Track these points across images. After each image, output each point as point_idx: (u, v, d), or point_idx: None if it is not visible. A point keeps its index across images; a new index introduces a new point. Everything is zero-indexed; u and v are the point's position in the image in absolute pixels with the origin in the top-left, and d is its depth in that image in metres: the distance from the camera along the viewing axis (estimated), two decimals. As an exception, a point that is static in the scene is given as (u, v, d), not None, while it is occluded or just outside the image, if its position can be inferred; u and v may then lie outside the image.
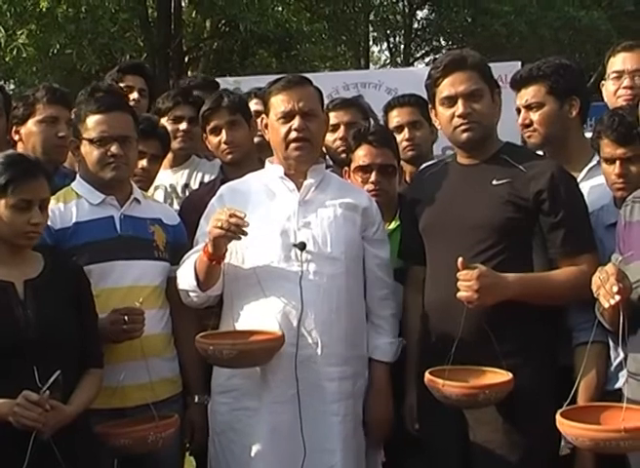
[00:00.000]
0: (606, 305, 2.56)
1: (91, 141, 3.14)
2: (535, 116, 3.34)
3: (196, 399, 3.30)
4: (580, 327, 2.95)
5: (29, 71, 12.80)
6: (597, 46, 15.94)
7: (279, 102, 3.17)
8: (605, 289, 2.55)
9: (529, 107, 3.35)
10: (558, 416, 2.54)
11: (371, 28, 19.53)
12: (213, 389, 3.22)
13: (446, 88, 3.08)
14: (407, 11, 19.27)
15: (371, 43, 20.33)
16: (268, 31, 12.27)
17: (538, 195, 2.98)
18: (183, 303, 3.20)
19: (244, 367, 3.04)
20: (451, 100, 3.07)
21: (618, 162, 3.00)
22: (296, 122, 3.14)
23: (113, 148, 3.12)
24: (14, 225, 2.74)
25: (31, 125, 3.67)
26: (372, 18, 18.83)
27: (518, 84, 3.39)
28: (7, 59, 11.77)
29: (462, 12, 17.02)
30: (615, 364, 2.94)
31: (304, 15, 13.63)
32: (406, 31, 19.31)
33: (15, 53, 11.44)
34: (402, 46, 19.93)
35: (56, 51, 11.64)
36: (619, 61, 3.70)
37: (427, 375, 2.86)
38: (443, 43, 19.28)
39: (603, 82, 3.75)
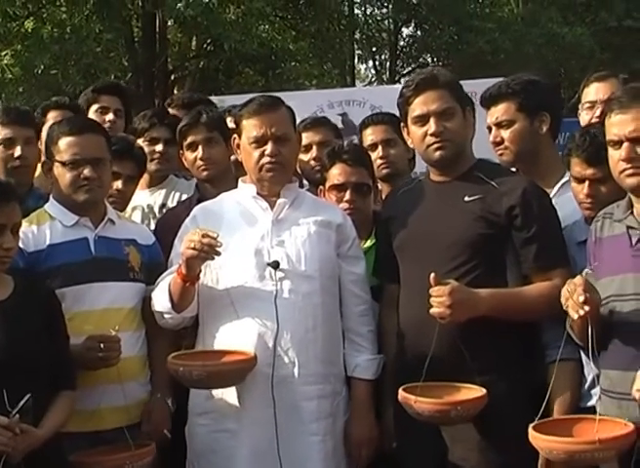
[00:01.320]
0: (574, 316, 2.56)
1: (63, 164, 3.13)
2: (505, 134, 3.33)
3: (159, 395, 3.23)
4: (555, 344, 2.90)
5: (15, 92, 12.81)
6: (581, 62, 16.09)
7: (251, 127, 3.16)
8: (573, 300, 2.55)
9: (499, 125, 3.34)
10: (531, 430, 2.54)
11: (356, 46, 19.57)
12: (191, 410, 3.19)
13: (418, 106, 3.09)
14: (392, 28, 19.34)
15: (356, 61, 20.38)
16: (253, 50, 12.31)
17: (510, 210, 2.98)
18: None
19: (215, 387, 3.03)
20: (423, 119, 3.07)
21: (587, 182, 2.97)
22: (268, 148, 3.12)
23: (86, 171, 3.10)
24: None
25: None
26: (357, 36, 18.89)
27: (488, 102, 3.39)
28: (-7, 80, 11.82)
29: (447, 29, 17.11)
30: (588, 380, 2.92)
31: (289, 33, 13.68)
32: (391, 49, 19.37)
33: (0, 73, 11.47)
34: (388, 63, 19.99)
35: (40, 71, 11.67)
36: (592, 92, 3.74)
37: (401, 392, 2.85)
38: (429, 60, 19.35)
39: (580, 112, 3.78)
